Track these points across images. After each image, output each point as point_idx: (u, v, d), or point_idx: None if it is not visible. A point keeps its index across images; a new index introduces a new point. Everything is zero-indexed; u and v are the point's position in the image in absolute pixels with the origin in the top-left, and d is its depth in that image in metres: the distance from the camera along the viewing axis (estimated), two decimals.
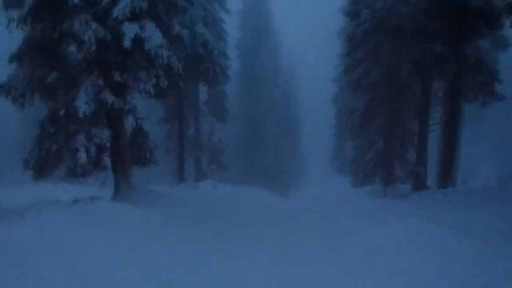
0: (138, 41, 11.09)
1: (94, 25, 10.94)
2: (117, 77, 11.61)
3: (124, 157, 12.75)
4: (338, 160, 35.95)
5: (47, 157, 11.26)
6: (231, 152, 40.99)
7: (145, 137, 13.01)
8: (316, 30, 61.12)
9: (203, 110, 25.74)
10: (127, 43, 10.92)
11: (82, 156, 10.98)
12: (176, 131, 23.29)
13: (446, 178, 14.27)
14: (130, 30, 11.08)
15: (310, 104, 49.16)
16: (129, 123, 12.66)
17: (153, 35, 11.29)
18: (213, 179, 24.91)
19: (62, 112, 11.15)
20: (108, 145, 11.96)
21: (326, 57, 41.34)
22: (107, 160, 12.20)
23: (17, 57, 11.67)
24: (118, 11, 10.86)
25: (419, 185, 14.77)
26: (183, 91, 15.98)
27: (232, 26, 39.21)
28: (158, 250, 7.43)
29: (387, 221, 8.66)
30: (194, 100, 24.54)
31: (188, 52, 18.74)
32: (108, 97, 11.51)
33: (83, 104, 11.02)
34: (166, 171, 24.99)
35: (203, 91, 25.64)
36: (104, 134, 11.69)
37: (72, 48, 11.07)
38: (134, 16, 11.02)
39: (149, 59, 11.57)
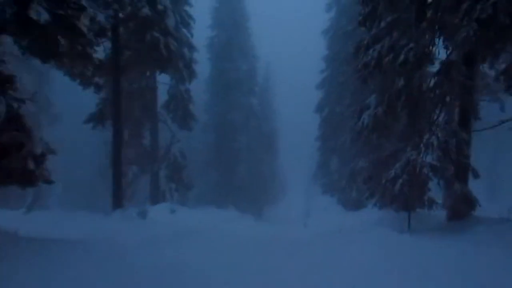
0: None
1: None
2: None
3: None
4: (324, 177, 31.38)
5: None
6: (199, 168, 36.21)
7: (25, 133, 7.66)
8: (297, 32, 57.01)
9: (162, 114, 20.76)
10: None
11: None
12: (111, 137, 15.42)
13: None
14: None
15: (290, 115, 44.61)
16: None
17: None
18: (172, 201, 19.94)
19: None
20: None
21: (307, 64, 37.26)
22: None
23: None
24: None
25: (462, 211, 10.26)
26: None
27: (202, 26, 34.84)
28: None
29: None
30: (148, 99, 19.58)
31: (127, 13, 13.44)
32: None
33: None
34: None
35: (163, 91, 20.74)
36: None
37: None
38: None
39: None
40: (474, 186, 11.61)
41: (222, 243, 10.41)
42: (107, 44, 13.41)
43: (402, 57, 10.12)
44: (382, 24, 11.33)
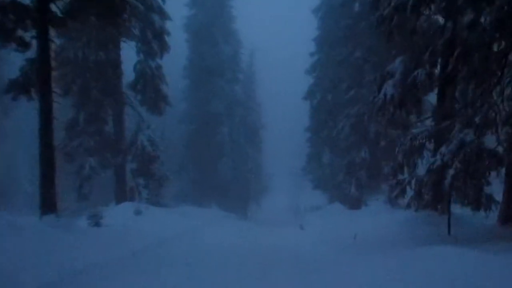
0: None
1: None
2: None
3: None
4: (314, 171, 28.29)
5: None
6: (178, 162, 32.79)
7: None
8: (286, 17, 53.48)
9: (128, 95, 17.37)
10: None
11: None
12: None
13: None
14: None
15: (276, 106, 41.36)
16: None
17: None
18: (141, 200, 16.67)
19: None
20: None
21: (297, 50, 34.20)
22: None
23: None
24: None
25: None
26: None
27: (179, 3, 31.38)
28: None
29: None
30: (111, 76, 16.13)
31: None
32: None
33: None
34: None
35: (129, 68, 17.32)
36: None
37: None
38: None
39: None
40: None
41: (200, 264, 7.17)
42: None
43: None
44: None
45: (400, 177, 9.76)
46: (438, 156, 7.28)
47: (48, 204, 9.20)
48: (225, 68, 32.92)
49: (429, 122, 10.67)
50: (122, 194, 16.90)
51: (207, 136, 31.52)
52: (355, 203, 20.08)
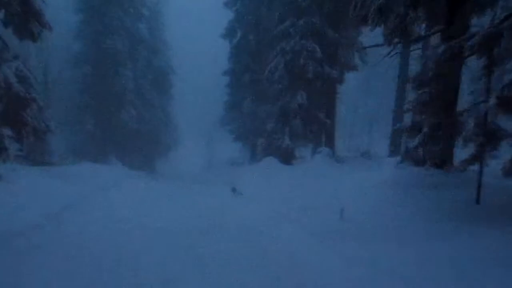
0: None
1: None
2: None
3: None
4: (235, 120, 24.84)
5: None
6: (73, 112, 27.27)
7: None
8: None
9: None
10: None
11: None
12: None
13: None
14: None
15: (189, 46, 36.46)
16: None
17: None
18: (8, 157, 11.95)
19: None
20: None
21: None
22: None
23: None
24: None
25: None
26: None
27: None
28: None
29: None
30: None
31: None
32: None
33: None
34: None
35: None
36: None
37: None
38: None
39: None
40: None
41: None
42: None
43: None
44: None
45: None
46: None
47: None
48: None
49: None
50: None
51: (106, 79, 26.33)
52: (287, 157, 17.25)
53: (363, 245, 5.19)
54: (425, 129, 7.12)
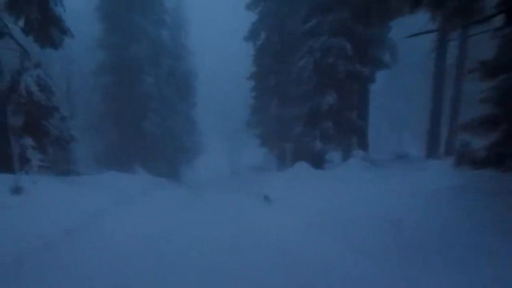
0: None
1: None
2: None
3: None
4: (261, 125, 24.11)
5: None
6: (95, 118, 27.15)
7: None
8: None
9: (3, 19, 11.74)
10: None
11: None
12: None
13: None
14: None
15: (213, 51, 35.92)
16: None
17: None
18: (30, 167, 11.60)
19: None
20: None
21: None
22: None
23: None
24: None
25: None
26: None
27: None
28: None
29: None
30: None
31: None
32: None
33: None
34: None
35: None
36: None
37: None
38: None
39: None
40: None
41: None
42: None
43: None
44: None
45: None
46: None
47: None
48: (147, 5, 27.16)
49: None
50: (5, 162, 11.60)
51: (129, 87, 26.06)
52: (318, 161, 16.40)
53: (431, 271, 4.34)
54: (504, 126, 6.14)
